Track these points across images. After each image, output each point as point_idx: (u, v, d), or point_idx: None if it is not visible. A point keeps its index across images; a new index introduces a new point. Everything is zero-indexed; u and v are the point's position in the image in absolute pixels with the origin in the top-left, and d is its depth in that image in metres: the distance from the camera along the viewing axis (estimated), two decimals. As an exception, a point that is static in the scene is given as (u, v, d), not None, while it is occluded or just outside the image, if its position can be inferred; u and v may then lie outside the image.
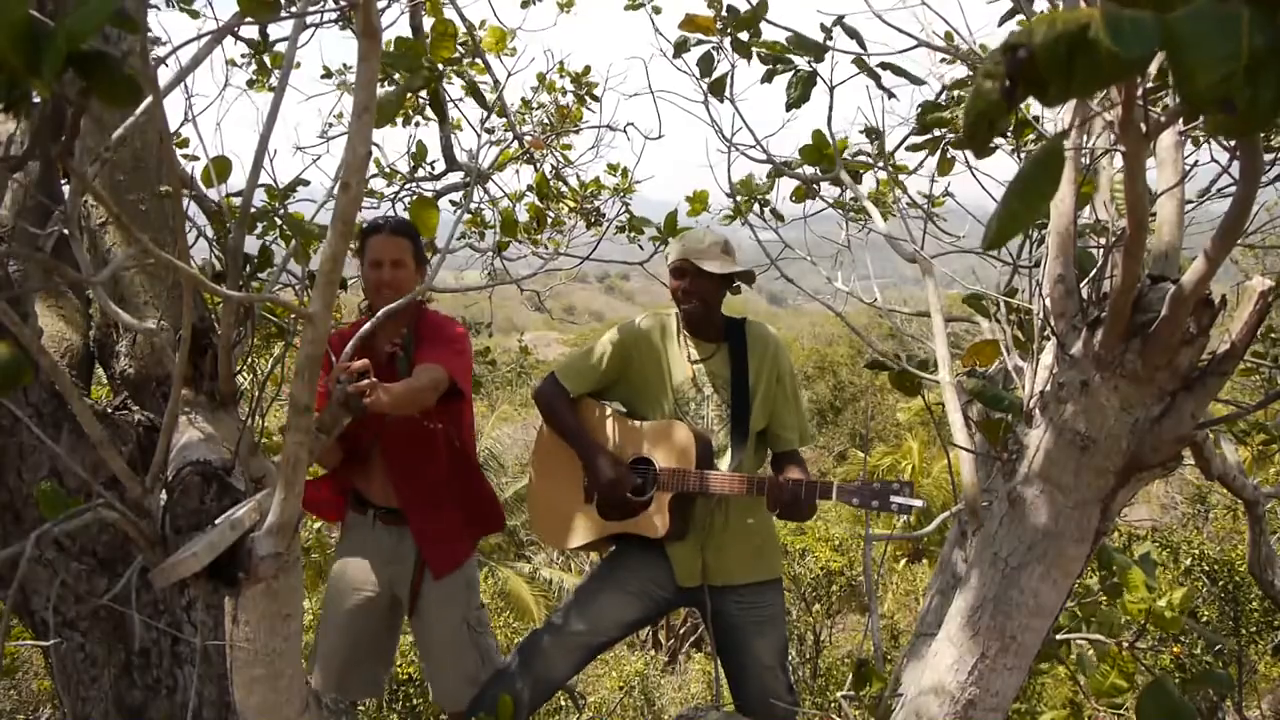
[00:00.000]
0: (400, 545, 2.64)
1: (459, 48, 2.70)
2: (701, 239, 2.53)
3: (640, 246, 3.76)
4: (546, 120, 4.11)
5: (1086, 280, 1.38)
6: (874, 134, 2.67)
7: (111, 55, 0.70)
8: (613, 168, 4.05)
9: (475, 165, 2.67)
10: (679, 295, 2.54)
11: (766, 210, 3.17)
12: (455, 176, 3.67)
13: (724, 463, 2.52)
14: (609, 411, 2.60)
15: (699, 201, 3.40)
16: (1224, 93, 0.48)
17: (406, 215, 2.72)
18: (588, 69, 4.07)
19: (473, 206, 4.05)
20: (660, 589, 2.58)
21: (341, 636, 2.63)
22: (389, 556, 2.65)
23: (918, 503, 2.25)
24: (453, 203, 3.75)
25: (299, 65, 4.73)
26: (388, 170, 3.61)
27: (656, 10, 2.66)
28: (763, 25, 2.40)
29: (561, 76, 4.06)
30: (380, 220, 2.62)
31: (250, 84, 3.84)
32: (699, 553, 2.54)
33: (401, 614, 2.74)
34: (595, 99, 4.07)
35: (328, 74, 4.01)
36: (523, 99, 4.15)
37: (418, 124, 4.26)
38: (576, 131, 4.10)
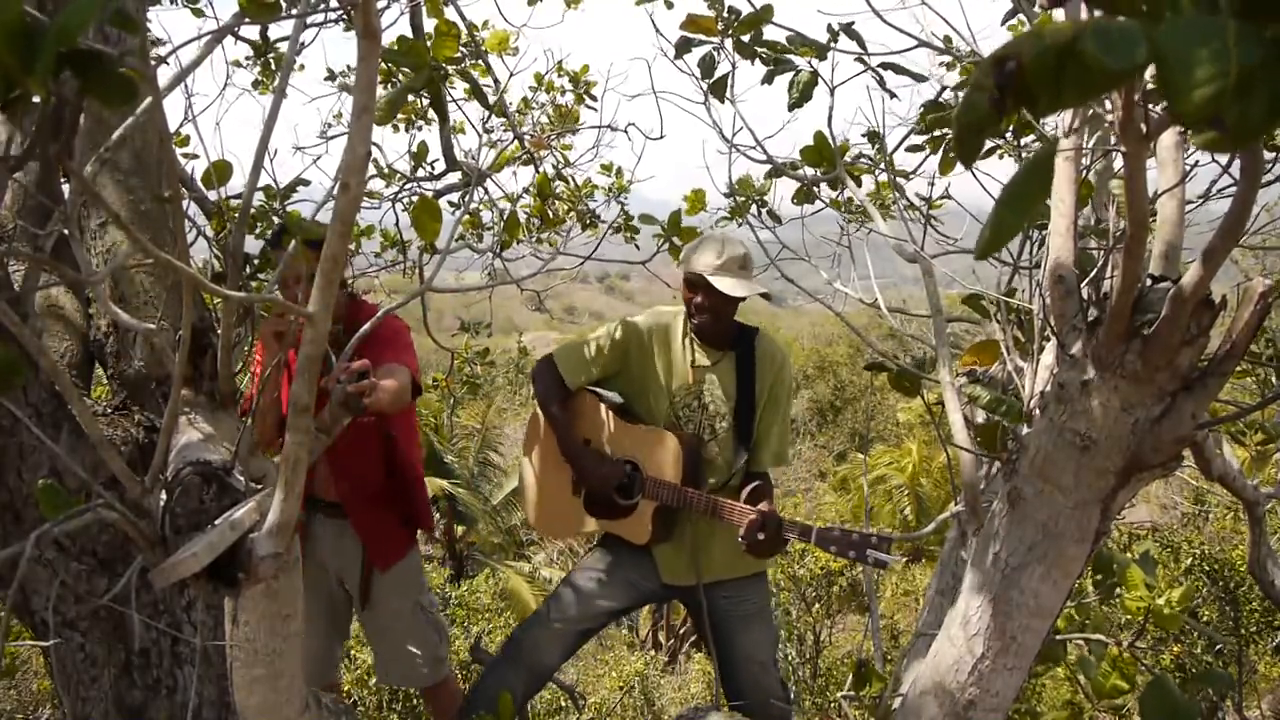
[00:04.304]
0: (342, 539, 2.68)
1: (461, 48, 2.69)
2: (720, 252, 2.40)
3: (637, 246, 3.74)
4: (545, 120, 4.09)
5: (1086, 280, 1.38)
6: (875, 137, 2.67)
7: (107, 54, 0.70)
8: (606, 168, 4.02)
9: (476, 166, 2.66)
10: (691, 308, 2.47)
11: (764, 211, 3.16)
12: (455, 177, 3.66)
13: (721, 475, 2.52)
14: (604, 408, 2.59)
15: (696, 201, 3.37)
16: (1213, 110, 0.48)
17: (407, 216, 2.72)
18: (585, 68, 4.05)
19: (471, 207, 4.04)
20: (646, 582, 2.60)
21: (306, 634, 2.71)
22: (333, 549, 2.70)
23: (895, 557, 2.29)
24: (451, 204, 3.74)
25: (302, 68, 4.70)
26: (386, 171, 3.60)
27: (669, 4, 2.63)
28: (763, 26, 2.39)
29: (560, 76, 4.04)
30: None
31: (255, 84, 3.84)
32: (683, 553, 2.55)
33: (350, 601, 2.79)
34: (593, 99, 4.05)
35: (331, 76, 4.00)
36: (522, 98, 4.13)
37: (419, 127, 4.25)
38: (575, 132, 4.09)
